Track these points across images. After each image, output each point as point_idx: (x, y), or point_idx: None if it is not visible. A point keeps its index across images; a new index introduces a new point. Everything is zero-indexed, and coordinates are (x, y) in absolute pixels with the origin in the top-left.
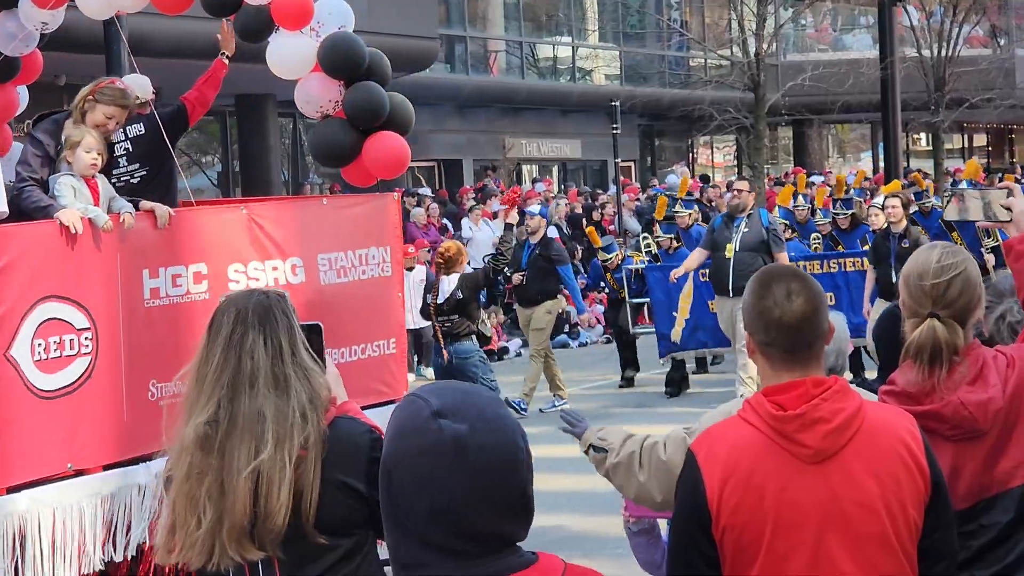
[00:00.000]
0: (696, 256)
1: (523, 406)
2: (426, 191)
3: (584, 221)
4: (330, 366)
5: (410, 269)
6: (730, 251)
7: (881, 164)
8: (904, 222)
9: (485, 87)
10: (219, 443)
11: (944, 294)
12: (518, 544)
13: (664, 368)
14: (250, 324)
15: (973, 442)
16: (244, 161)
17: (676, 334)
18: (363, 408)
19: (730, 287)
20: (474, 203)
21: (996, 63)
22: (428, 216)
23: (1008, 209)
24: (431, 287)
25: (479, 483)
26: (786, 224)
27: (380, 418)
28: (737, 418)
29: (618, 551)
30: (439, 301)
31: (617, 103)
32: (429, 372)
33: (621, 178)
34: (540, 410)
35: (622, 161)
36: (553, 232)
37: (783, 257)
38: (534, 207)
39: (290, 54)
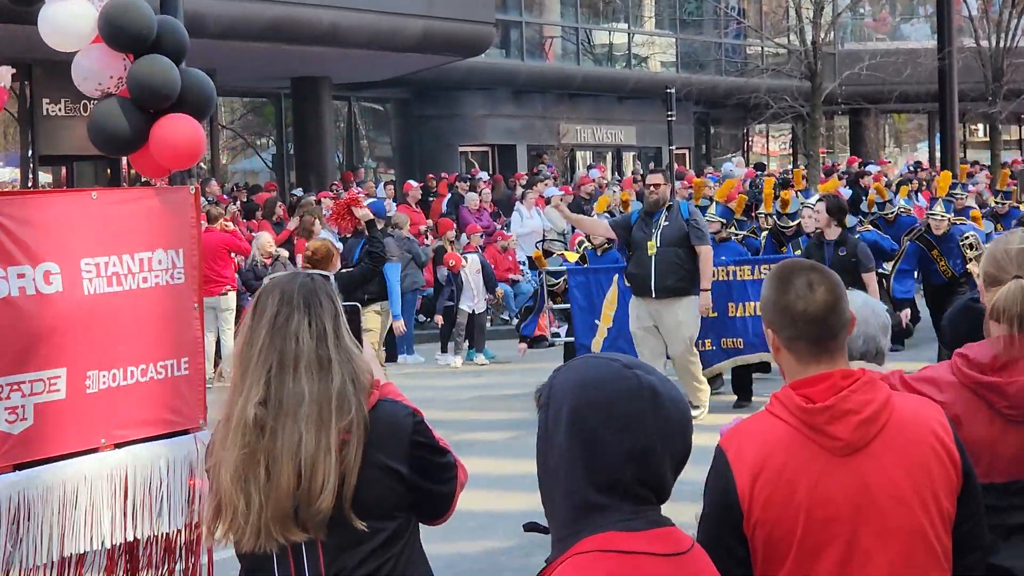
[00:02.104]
0: (601, 226)
1: None
2: (482, 175)
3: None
4: (367, 348)
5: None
6: (652, 248)
7: (938, 155)
8: (835, 228)
9: (541, 73)
10: (270, 426)
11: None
12: None
13: None
14: (295, 306)
15: None
16: (298, 144)
17: (597, 344)
18: (144, 440)
19: (652, 287)
20: (524, 189)
21: None
22: (481, 201)
23: None
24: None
25: (669, 431)
26: (722, 222)
27: (169, 450)
28: (765, 413)
29: None
30: None
31: (673, 90)
32: (481, 358)
33: (676, 166)
34: None
35: (677, 148)
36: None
37: (706, 250)
38: (368, 201)
39: (65, 22)
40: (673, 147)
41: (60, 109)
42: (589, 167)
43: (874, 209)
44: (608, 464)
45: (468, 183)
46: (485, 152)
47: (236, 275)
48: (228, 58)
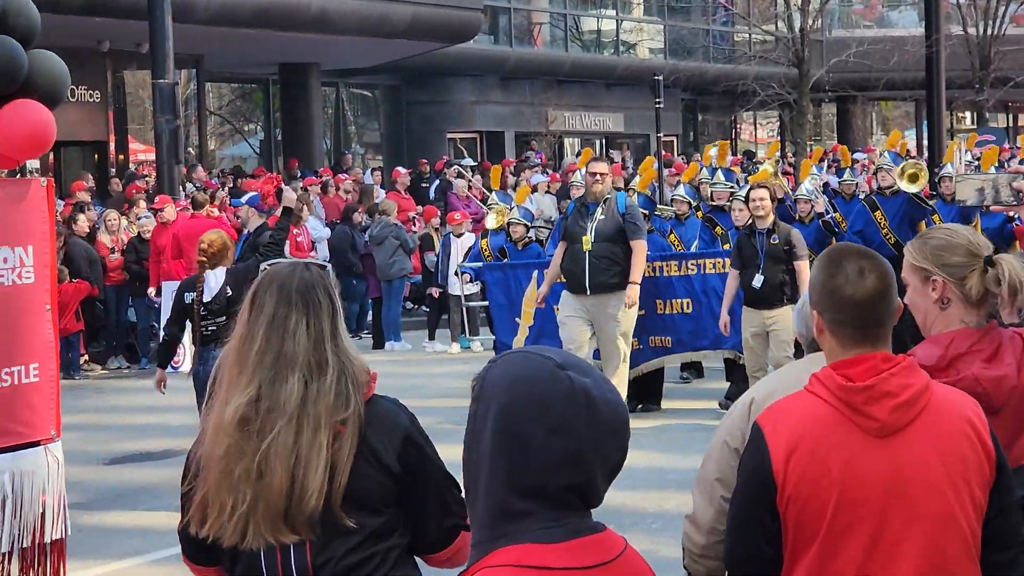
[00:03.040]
0: (557, 254)
1: None
2: (468, 162)
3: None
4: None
5: (459, 236)
6: (587, 243)
7: (925, 142)
8: (772, 217)
9: (529, 59)
10: (259, 425)
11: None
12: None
13: None
14: (293, 305)
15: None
16: (286, 130)
17: (519, 343)
18: None
19: (587, 284)
20: (513, 176)
21: None
22: (470, 187)
23: (1018, 192)
24: (192, 285)
25: (602, 437)
26: (690, 202)
27: (14, 464)
28: (804, 391)
29: (654, 526)
30: (207, 299)
31: (660, 77)
32: (477, 344)
33: (664, 152)
34: None
35: (665, 135)
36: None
37: (641, 245)
38: (246, 196)
39: None
40: (661, 134)
41: None
42: (577, 154)
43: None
44: (536, 468)
45: (456, 169)
46: (473, 138)
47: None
48: (217, 44)
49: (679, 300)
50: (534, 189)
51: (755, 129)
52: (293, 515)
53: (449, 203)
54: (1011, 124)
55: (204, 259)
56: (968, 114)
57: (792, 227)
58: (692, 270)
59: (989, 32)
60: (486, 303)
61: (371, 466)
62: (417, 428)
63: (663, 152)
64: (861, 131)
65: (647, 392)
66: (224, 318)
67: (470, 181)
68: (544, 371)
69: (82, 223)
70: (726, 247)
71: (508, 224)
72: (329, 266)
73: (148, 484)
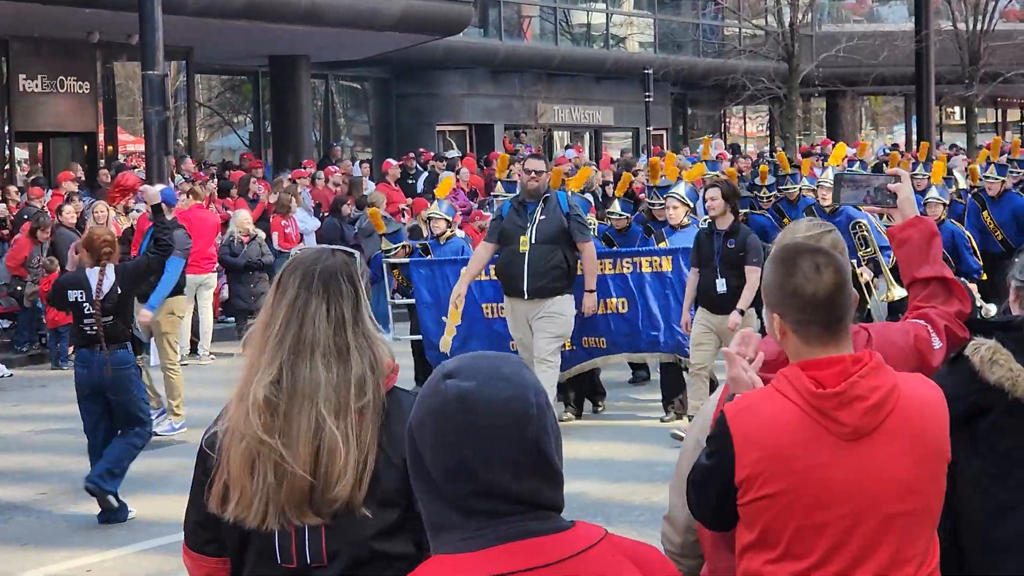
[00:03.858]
0: (480, 256)
1: (176, 428)
2: (456, 154)
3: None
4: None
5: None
6: (525, 244)
7: (914, 137)
8: (729, 217)
9: (519, 52)
10: (283, 408)
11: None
12: (552, 511)
13: None
14: (314, 291)
15: None
16: (276, 122)
17: (445, 344)
18: None
19: (525, 287)
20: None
21: None
22: (457, 181)
23: (894, 195)
24: (77, 282)
25: (487, 440)
26: (689, 205)
27: None
28: (771, 389)
29: (641, 518)
30: (100, 297)
31: (650, 71)
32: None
33: (653, 147)
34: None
35: (654, 129)
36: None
37: (589, 247)
38: (156, 187)
39: None
40: (651, 128)
41: (37, 85)
42: (566, 147)
43: (767, 182)
44: (433, 483)
45: (444, 162)
46: (463, 131)
47: None
48: (206, 36)
49: (614, 300)
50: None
51: (744, 123)
52: (319, 499)
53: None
54: (1000, 120)
55: (87, 254)
56: (957, 109)
57: (751, 231)
58: (627, 268)
59: (978, 27)
60: (411, 300)
61: (388, 456)
62: None
63: (652, 146)
64: (850, 126)
65: (594, 392)
66: (111, 317)
67: (458, 174)
68: (431, 386)
69: (68, 214)
70: (663, 245)
71: (428, 219)
72: (357, 253)
73: (136, 475)
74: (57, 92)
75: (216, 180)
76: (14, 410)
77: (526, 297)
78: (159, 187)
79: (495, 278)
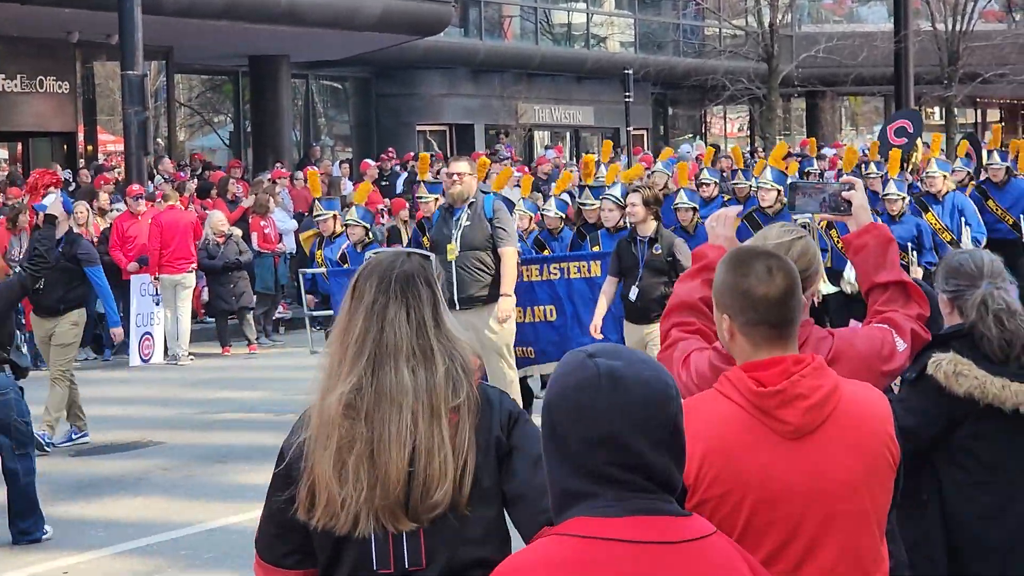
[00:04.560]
0: None
1: (47, 440)
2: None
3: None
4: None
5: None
6: (452, 252)
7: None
8: (651, 223)
9: (499, 52)
10: (367, 413)
11: (786, 254)
12: (674, 496)
13: None
14: (392, 295)
15: None
16: (256, 122)
17: None
18: None
19: (454, 297)
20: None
21: (1011, 38)
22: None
23: (848, 203)
24: None
25: (635, 414)
26: (694, 207)
27: None
28: (714, 392)
29: None
30: None
31: (631, 71)
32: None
33: (634, 146)
34: (51, 444)
35: (635, 129)
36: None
37: (510, 253)
38: (50, 198)
39: None
40: (631, 128)
41: (16, 85)
42: (547, 147)
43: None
44: (577, 452)
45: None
46: (443, 131)
47: None
48: (186, 36)
49: (542, 307)
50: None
51: (725, 123)
52: (416, 505)
53: (416, 196)
54: (979, 120)
55: None
56: (937, 109)
57: (677, 236)
58: (555, 275)
59: (958, 28)
60: (330, 312)
61: (484, 453)
62: (522, 414)
63: (633, 146)
64: (830, 126)
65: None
66: None
67: (436, 174)
68: (574, 363)
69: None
70: (595, 249)
71: (345, 226)
72: (433, 256)
73: (113, 476)
74: (36, 92)
75: (196, 181)
76: None
77: (457, 308)
78: (54, 196)
79: None
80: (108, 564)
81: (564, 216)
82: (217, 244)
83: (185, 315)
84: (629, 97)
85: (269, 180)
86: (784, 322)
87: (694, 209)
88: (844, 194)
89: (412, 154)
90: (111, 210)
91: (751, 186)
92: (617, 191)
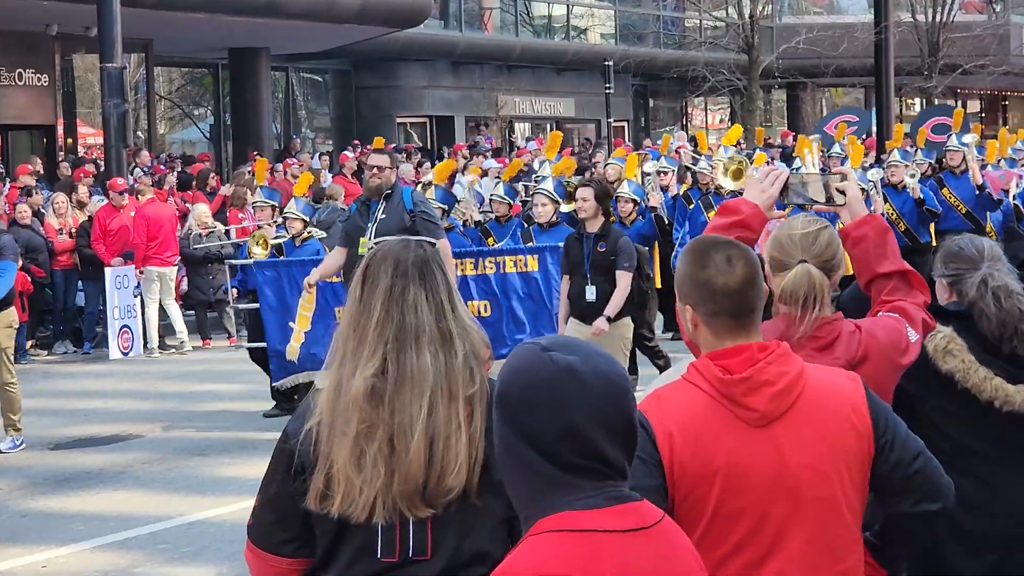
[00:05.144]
0: (335, 257)
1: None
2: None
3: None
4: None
5: None
6: (364, 246)
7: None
8: (599, 219)
9: (479, 44)
10: (388, 398)
11: (813, 243)
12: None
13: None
14: (411, 278)
15: None
16: (236, 114)
17: (292, 351)
18: None
19: None
20: (466, 160)
21: (991, 29)
22: (418, 172)
23: (842, 194)
24: None
25: (595, 407)
26: (444, 209)
27: None
28: (683, 381)
29: None
30: None
31: (611, 63)
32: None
33: (615, 138)
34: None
35: (615, 121)
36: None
37: (443, 244)
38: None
39: None
40: (612, 119)
41: None
42: (527, 139)
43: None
44: (544, 445)
45: (404, 154)
46: (423, 123)
47: None
48: (166, 28)
49: (475, 302)
50: (484, 174)
51: (706, 115)
52: (432, 490)
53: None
54: (961, 110)
55: None
56: (917, 100)
57: (624, 233)
58: (490, 268)
59: (938, 19)
60: (256, 305)
61: (494, 446)
62: None
63: (614, 138)
64: (811, 117)
65: None
66: None
67: (418, 166)
68: (529, 356)
69: (22, 212)
70: (531, 244)
71: (284, 219)
72: (437, 244)
73: (93, 469)
74: (15, 85)
75: (176, 173)
76: None
77: None
78: None
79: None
80: (87, 558)
81: (511, 203)
82: (200, 235)
83: (173, 307)
84: (610, 89)
85: (249, 172)
86: (745, 311)
87: (634, 201)
88: (837, 185)
89: (393, 146)
90: (89, 203)
91: (673, 170)
92: (549, 184)
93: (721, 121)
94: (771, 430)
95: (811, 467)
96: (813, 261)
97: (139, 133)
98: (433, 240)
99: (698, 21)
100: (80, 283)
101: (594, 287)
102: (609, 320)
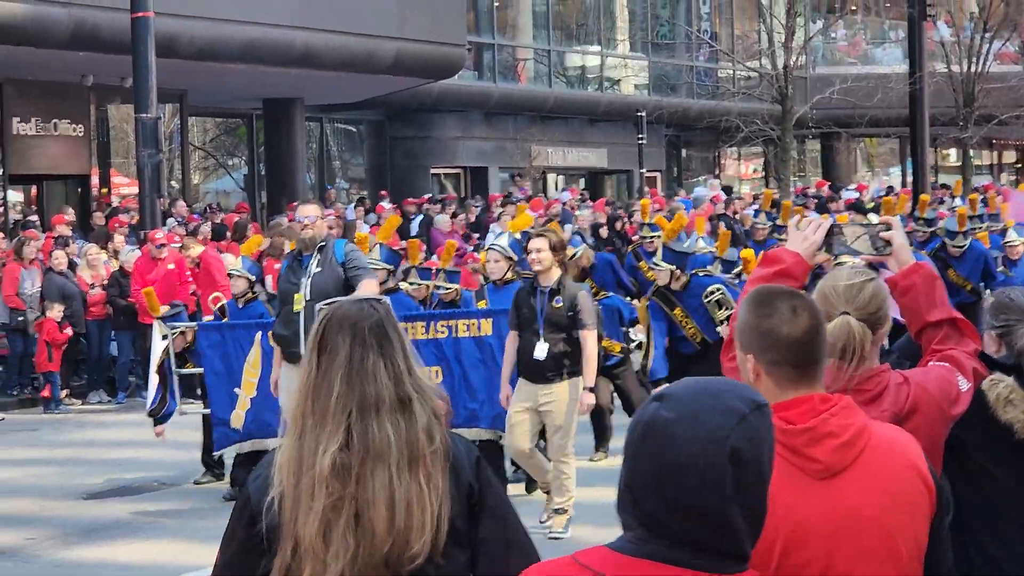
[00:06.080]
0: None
1: None
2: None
3: (603, 231)
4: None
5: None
6: (299, 302)
7: (910, 179)
8: (555, 272)
9: (513, 95)
10: (355, 472)
11: (857, 295)
12: (722, 557)
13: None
14: (369, 347)
15: None
16: (270, 164)
17: (238, 419)
18: None
19: (302, 350)
20: (502, 211)
21: None
22: (452, 223)
23: (888, 243)
24: None
25: (656, 472)
26: (390, 270)
27: None
28: None
29: None
30: None
31: (643, 113)
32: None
33: (648, 188)
34: None
35: (648, 171)
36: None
37: (370, 284)
38: None
39: None
40: (644, 170)
41: (31, 128)
42: (562, 190)
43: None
44: (622, 486)
45: (440, 205)
46: (457, 174)
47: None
48: (201, 79)
49: (426, 369)
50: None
51: (739, 165)
52: (397, 558)
53: (433, 238)
54: (995, 161)
55: None
56: (953, 151)
57: (583, 288)
58: (442, 333)
59: (973, 69)
60: (198, 370)
61: (457, 499)
62: (482, 459)
63: (647, 188)
64: (845, 168)
65: None
66: None
67: (453, 216)
68: (644, 403)
69: (58, 259)
70: (482, 304)
71: (229, 275)
72: (387, 299)
73: (125, 519)
74: (51, 135)
75: (210, 224)
76: (4, 454)
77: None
78: None
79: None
80: None
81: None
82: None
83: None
84: (643, 139)
85: (287, 223)
86: (809, 362)
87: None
88: (883, 234)
89: (428, 196)
90: (123, 252)
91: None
92: (504, 241)
93: (755, 171)
94: (835, 482)
95: (875, 520)
96: (856, 313)
97: (173, 183)
98: (383, 298)
99: (731, 72)
100: (112, 333)
101: (546, 344)
102: (590, 390)
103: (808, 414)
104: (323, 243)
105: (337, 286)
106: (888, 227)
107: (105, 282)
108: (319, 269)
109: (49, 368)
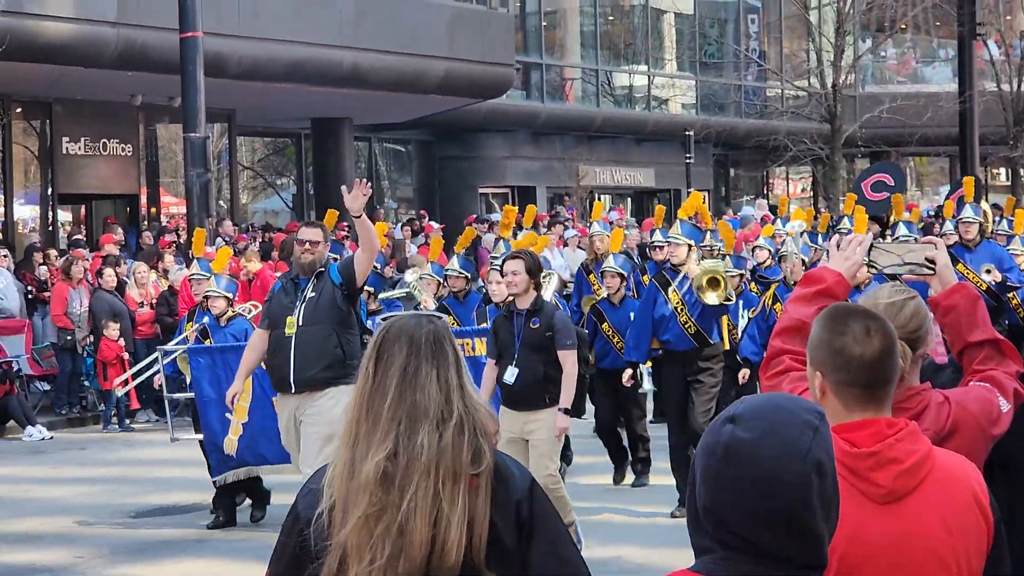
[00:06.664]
0: (257, 345)
1: None
2: (497, 217)
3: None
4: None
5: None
6: (292, 327)
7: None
8: (531, 294)
9: (561, 114)
10: (399, 480)
11: (898, 314)
12: (799, 567)
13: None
14: (424, 357)
15: None
16: (318, 184)
17: (231, 444)
18: None
19: (291, 378)
20: (547, 230)
21: None
22: (559, 240)
23: (931, 263)
24: None
25: (742, 491)
26: (371, 292)
27: None
28: None
29: None
30: None
31: (691, 132)
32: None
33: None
34: None
35: (696, 191)
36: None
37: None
38: None
39: None
40: (691, 189)
41: (80, 148)
42: (609, 210)
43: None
44: (698, 510)
45: (486, 224)
46: (505, 193)
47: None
48: (249, 98)
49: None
50: (565, 244)
51: (787, 184)
52: (434, 570)
53: (480, 257)
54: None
55: None
56: (1003, 170)
57: (560, 310)
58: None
59: (1022, 88)
60: (190, 395)
61: (504, 517)
62: (539, 490)
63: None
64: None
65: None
66: None
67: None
68: (715, 422)
69: (108, 277)
70: (484, 325)
71: (206, 297)
72: (446, 318)
73: (173, 538)
74: (100, 155)
75: (258, 243)
76: (53, 472)
77: (293, 390)
78: None
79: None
80: None
81: (468, 277)
82: None
83: None
84: (690, 158)
85: (335, 239)
86: (879, 384)
87: (621, 276)
88: (927, 254)
89: (475, 216)
90: (172, 270)
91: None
92: (455, 263)
93: (803, 190)
94: (896, 508)
95: (934, 550)
96: (897, 332)
97: (221, 203)
98: (441, 315)
99: (780, 91)
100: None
101: (517, 370)
102: (567, 412)
103: (873, 438)
104: (322, 268)
105: (332, 310)
106: (932, 246)
107: (154, 301)
108: (314, 294)
109: (109, 387)
